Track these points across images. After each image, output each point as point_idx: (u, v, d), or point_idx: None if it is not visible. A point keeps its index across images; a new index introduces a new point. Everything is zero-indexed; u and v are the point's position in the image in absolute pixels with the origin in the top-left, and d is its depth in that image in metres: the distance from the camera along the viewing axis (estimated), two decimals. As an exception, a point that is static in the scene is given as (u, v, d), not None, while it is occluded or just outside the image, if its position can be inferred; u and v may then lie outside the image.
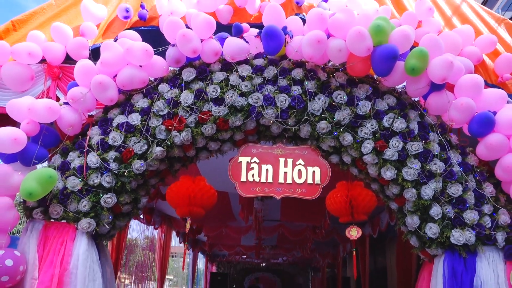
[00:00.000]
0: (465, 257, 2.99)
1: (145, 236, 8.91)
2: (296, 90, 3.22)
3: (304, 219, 8.57)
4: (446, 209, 3.03)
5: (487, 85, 3.28)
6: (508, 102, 3.13)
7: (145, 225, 7.58)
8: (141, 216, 7.02)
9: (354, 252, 3.71)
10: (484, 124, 3.02)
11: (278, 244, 12.97)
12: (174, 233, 9.38)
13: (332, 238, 9.88)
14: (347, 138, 3.18)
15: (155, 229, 8.14)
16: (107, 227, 3.10)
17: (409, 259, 7.10)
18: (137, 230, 8.09)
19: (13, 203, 2.94)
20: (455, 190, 3.04)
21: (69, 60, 3.39)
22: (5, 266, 2.69)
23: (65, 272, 2.85)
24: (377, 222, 7.24)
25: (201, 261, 16.29)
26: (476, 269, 2.96)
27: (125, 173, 3.07)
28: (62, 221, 3.01)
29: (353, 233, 3.46)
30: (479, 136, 3.08)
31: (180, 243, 9.62)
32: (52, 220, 3.01)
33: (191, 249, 12.16)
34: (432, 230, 3.03)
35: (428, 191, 3.04)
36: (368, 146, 3.13)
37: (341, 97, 3.20)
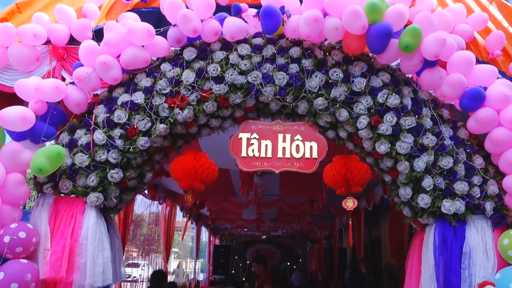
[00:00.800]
0: (455, 225, 3.13)
1: (151, 211, 9.13)
2: (293, 68, 3.31)
3: (302, 194, 8.74)
4: (437, 180, 3.15)
5: (478, 62, 3.35)
6: (498, 78, 3.22)
7: (150, 200, 7.76)
8: (146, 192, 7.20)
9: (350, 222, 3.86)
10: (475, 99, 3.11)
11: (277, 218, 13.21)
12: (178, 208, 9.60)
13: (328, 211, 10.12)
14: (343, 114, 3.28)
15: (160, 204, 8.35)
16: (115, 201, 3.25)
17: (402, 230, 7.33)
18: (142, 205, 8.30)
19: (24, 178, 3.09)
20: (446, 162, 3.16)
21: (73, 41, 3.46)
22: (19, 238, 2.85)
23: (76, 243, 3.01)
24: (372, 196, 7.43)
25: (205, 235, 16.64)
26: (465, 237, 3.09)
27: (131, 150, 3.20)
28: (72, 195, 3.16)
29: (349, 204, 3.60)
30: (470, 110, 3.18)
31: (184, 217, 9.84)
32: (62, 194, 3.16)
33: (194, 223, 12.42)
34: (424, 200, 3.16)
35: (420, 163, 3.16)
36: (363, 121, 3.24)
37: (337, 75, 3.29)
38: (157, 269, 8.70)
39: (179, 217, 10.11)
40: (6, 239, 2.81)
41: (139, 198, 7.70)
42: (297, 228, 15.42)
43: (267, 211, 10.90)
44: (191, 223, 12.34)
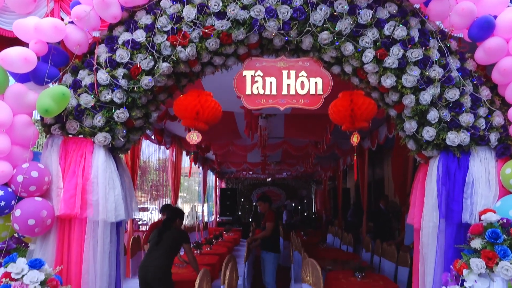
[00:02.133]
0: (459, 157, 3.16)
1: (158, 158, 9.28)
2: (297, 1, 3.20)
3: (307, 135, 8.81)
4: (443, 113, 3.15)
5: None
6: (508, 6, 3.12)
7: (157, 145, 7.85)
8: (152, 137, 7.28)
9: (355, 157, 3.92)
10: (484, 28, 3.03)
11: (282, 160, 13.44)
12: (184, 154, 9.74)
13: (332, 153, 10.27)
14: (348, 48, 3.22)
15: (167, 148, 8.47)
16: (122, 140, 3.28)
17: (405, 168, 7.43)
18: (149, 151, 8.43)
19: (31, 120, 3.12)
20: (452, 94, 3.13)
21: (69, -21, 3.36)
22: (31, 177, 2.91)
23: (87, 182, 3.09)
24: (376, 136, 7.48)
25: (211, 179, 17.01)
26: (469, 167, 3.14)
27: (135, 89, 3.19)
28: (80, 135, 3.20)
29: (354, 139, 3.65)
30: (479, 40, 3.10)
31: (191, 161, 10.00)
32: (70, 135, 3.20)
33: (201, 167, 12.63)
34: (429, 133, 3.18)
35: (426, 96, 3.14)
36: (369, 55, 3.19)
37: (342, 7, 3.19)
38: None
39: (185, 163, 10.31)
40: (20, 178, 2.88)
41: (145, 143, 7.80)
42: (302, 170, 15.71)
43: (272, 153, 11.05)
44: (198, 167, 12.56)
